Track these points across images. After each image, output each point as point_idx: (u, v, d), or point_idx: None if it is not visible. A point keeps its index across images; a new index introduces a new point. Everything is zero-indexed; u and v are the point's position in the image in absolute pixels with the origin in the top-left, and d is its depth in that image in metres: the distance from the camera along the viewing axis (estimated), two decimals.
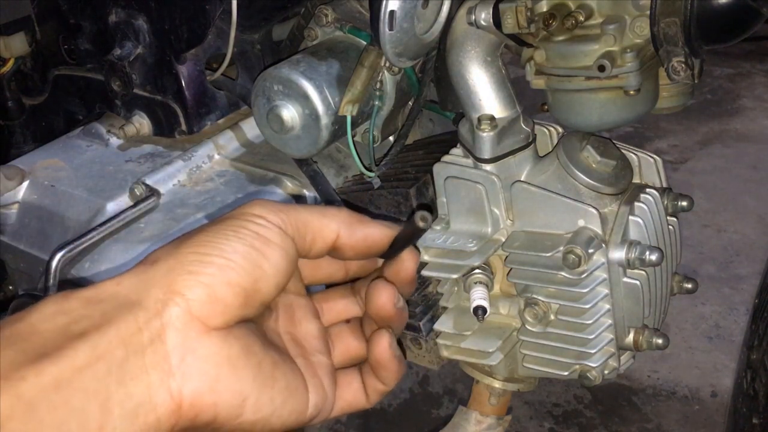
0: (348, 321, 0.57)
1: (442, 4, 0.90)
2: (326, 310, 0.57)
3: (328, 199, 0.97)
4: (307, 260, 0.53)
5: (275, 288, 0.48)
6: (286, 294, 0.53)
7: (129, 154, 1.09)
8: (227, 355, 0.45)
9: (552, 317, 0.89)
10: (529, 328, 0.90)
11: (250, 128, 1.07)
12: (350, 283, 0.58)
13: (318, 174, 0.99)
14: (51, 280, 0.89)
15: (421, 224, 0.50)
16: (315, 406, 0.50)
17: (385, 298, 0.52)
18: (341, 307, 0.57)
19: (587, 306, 0.86)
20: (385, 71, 0.96)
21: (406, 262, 0.55)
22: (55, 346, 0.41)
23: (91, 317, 0.42)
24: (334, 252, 0.53)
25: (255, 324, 0.48)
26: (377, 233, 0.53)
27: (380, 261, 0.57)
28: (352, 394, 0.54)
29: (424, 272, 0.93)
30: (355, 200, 0.98)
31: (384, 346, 0.52)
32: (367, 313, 0.54)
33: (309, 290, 0.57)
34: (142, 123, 1.08)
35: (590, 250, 0.84)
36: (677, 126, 3.01)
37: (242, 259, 0.46)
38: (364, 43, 0.97)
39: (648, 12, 0.82)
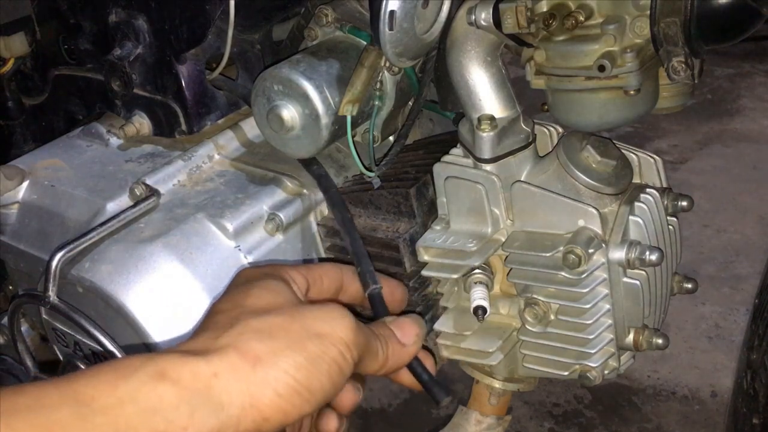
0: None
1: (442, 4, 0.90)
2: None
3: (332, 203, 0.96)
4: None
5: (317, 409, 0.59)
6: None
7: (129, 154, 1.09)
8: None
9: (552, 317, 0.89)
10: (529, 328, 0.90)
11: (250, 128, 1.06)
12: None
13: (325, 177, 0.98)
14: (51, 280, 0.89)
15: (442, 405, 0.65)
16: None
17: None
18: None
19: (587, 306, 0.86)
20: (385, 71, 0.96)
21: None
22: None
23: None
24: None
25: None
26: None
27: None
28: None
29: (424, 272, 0.93)
30: (355, 200, 0.98)
31: None
32: None
33: None
34: (142, 123, 1.08)
35: (590, 250, 0.84)
36: (677, 126, 3.01)
37: (321, 396, 0.56)
38: (364, 43, 0.97)
39: (648, 12, 0.81)
